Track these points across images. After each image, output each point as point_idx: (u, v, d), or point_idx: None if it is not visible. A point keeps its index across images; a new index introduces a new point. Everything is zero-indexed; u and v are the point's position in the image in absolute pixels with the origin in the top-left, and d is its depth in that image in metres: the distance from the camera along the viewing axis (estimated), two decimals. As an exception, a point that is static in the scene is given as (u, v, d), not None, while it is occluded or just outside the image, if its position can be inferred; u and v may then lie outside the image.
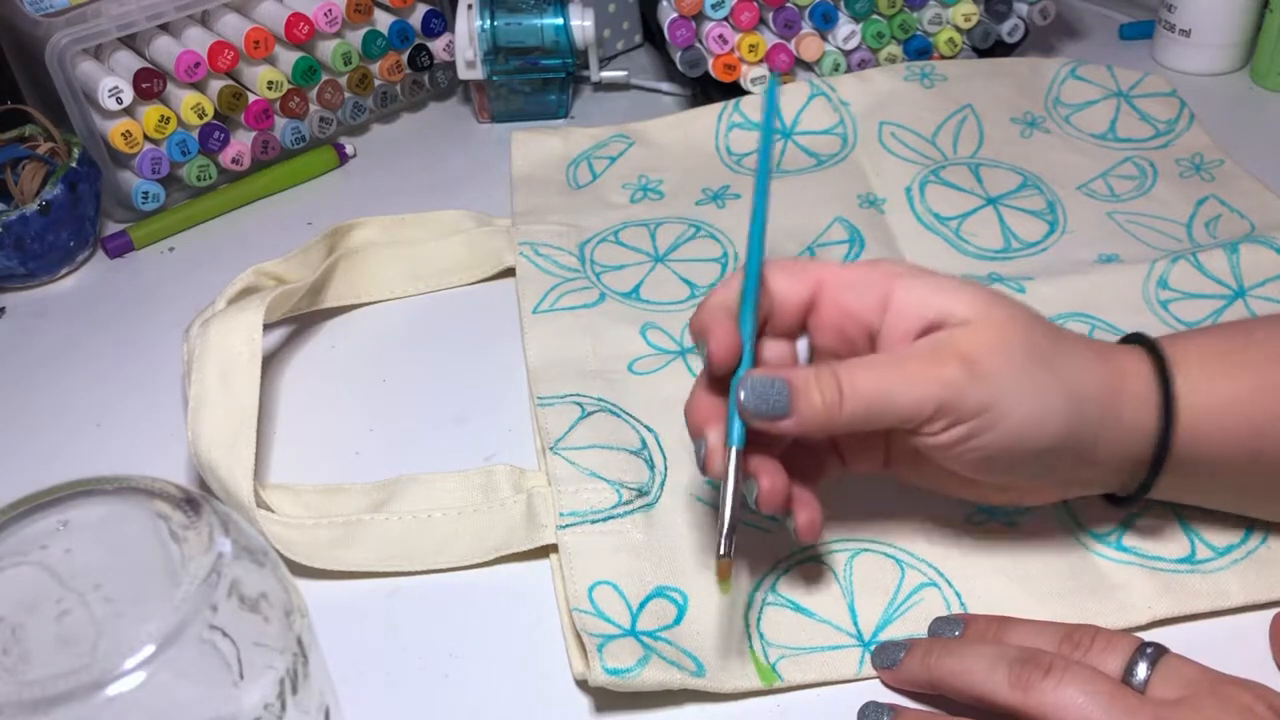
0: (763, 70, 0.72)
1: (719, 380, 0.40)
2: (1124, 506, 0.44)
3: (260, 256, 0.57)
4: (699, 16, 0.71)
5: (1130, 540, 0.45)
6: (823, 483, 0.43)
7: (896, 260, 0.41)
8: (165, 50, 0.66)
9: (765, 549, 0.45)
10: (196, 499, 0.31)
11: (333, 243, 0.61)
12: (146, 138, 0.66)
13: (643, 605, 0.43)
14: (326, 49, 0.71)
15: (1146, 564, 0.44)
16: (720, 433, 0.39)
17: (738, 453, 0.39)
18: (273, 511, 0.47)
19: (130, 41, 0.67)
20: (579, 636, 0.42)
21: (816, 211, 0.63)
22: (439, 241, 0.62)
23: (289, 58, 0.70)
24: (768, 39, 0.72)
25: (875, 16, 0.72)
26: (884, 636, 0.42)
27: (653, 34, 0.82)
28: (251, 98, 0.69)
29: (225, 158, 0.69)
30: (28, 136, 0.67)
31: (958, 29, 0.73)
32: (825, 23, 0.72)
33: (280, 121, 0.71)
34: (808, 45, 0.72)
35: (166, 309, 0.61)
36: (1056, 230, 0.61)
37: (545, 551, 0.46)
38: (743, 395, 0.38)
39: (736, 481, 0.39)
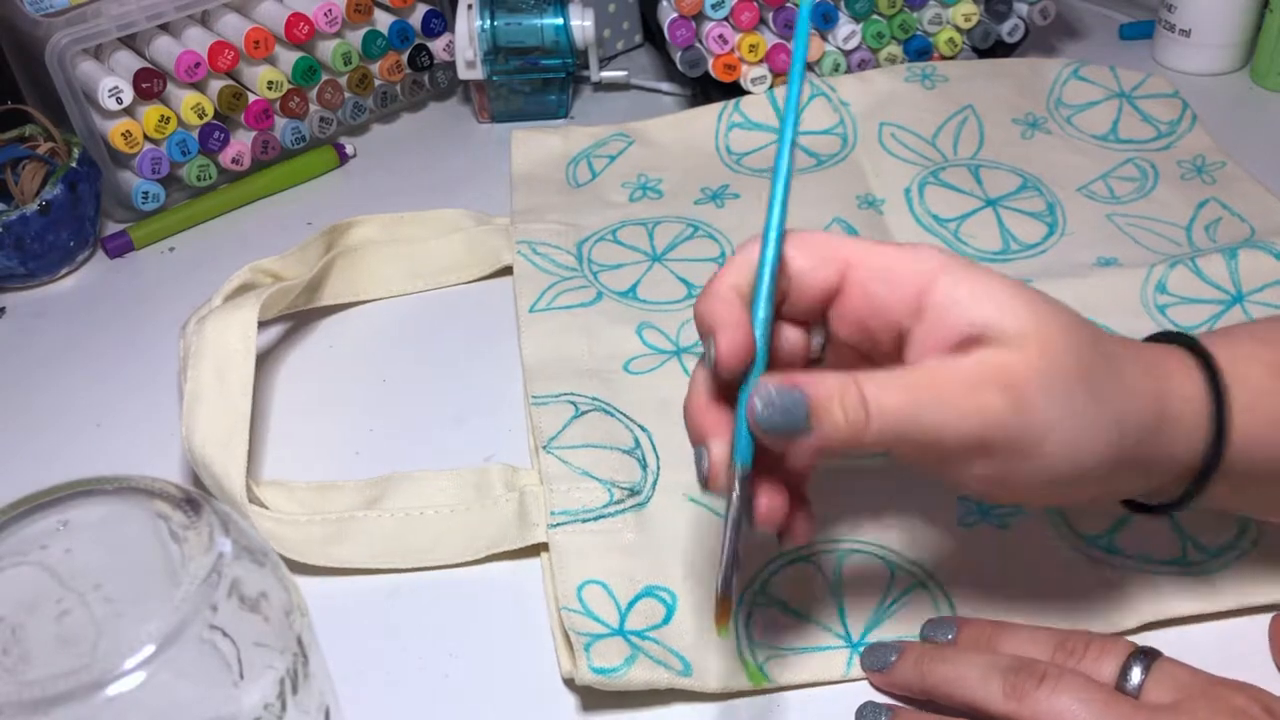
0: (763, 70, 0.72)
1: (725, 380, 0.36)
2: (1157, 515, 0.40)
3: (260, 256, 0.57)
4: (699, 16, 0.71)
5: (1121, 542, 0.45)
6: (814, 481, 0.41)
7: (938, 247, 0.36)
8: (165, 50, 0.66)
9: (754, 549, 0.45)
10: (196, 499, 0.31)
11: (331, 240, 0.61)
12: (146, 138, 0.66)
13: (631, 605, 0.43)
14: (326, 49, 0.71)
15: (1138, 566, 0.44)
16: (724, 445, 0.35)
17: (744, 473, 0.35)
18: (266, 508, 0.47)
19: (130, 41, 0.67)
20: (567, 635, 0.42)
21: (815, 212, 0.63)
22: (437, 240, 0.62)
23: (289, 58, 0.70)
24: (768, 39, 0.72)
25: (875, 16, 0.73)
26: (873, 638, 0.42)
27: (653, 34, 0.82)
28: (251, 98, 0.69)
29: (225, 158, 0.69)
30: (28, 136, 0.67)
31: (958, 29, 0.74)
32: (825, 23, 0.72)
33: (280, 121, 0.71)
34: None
35: (166, 309, 0.61)
36: (1056, 232, 0.61)
37: (541, 550, 0.46)
38: (758, 408, 0.33)
39: (741, 508, 0.35)
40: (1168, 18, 0.76)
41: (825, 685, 0.41)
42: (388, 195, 0.70)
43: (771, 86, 0.72)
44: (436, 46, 0.76)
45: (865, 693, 0.41)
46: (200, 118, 0.67)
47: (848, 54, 0.73)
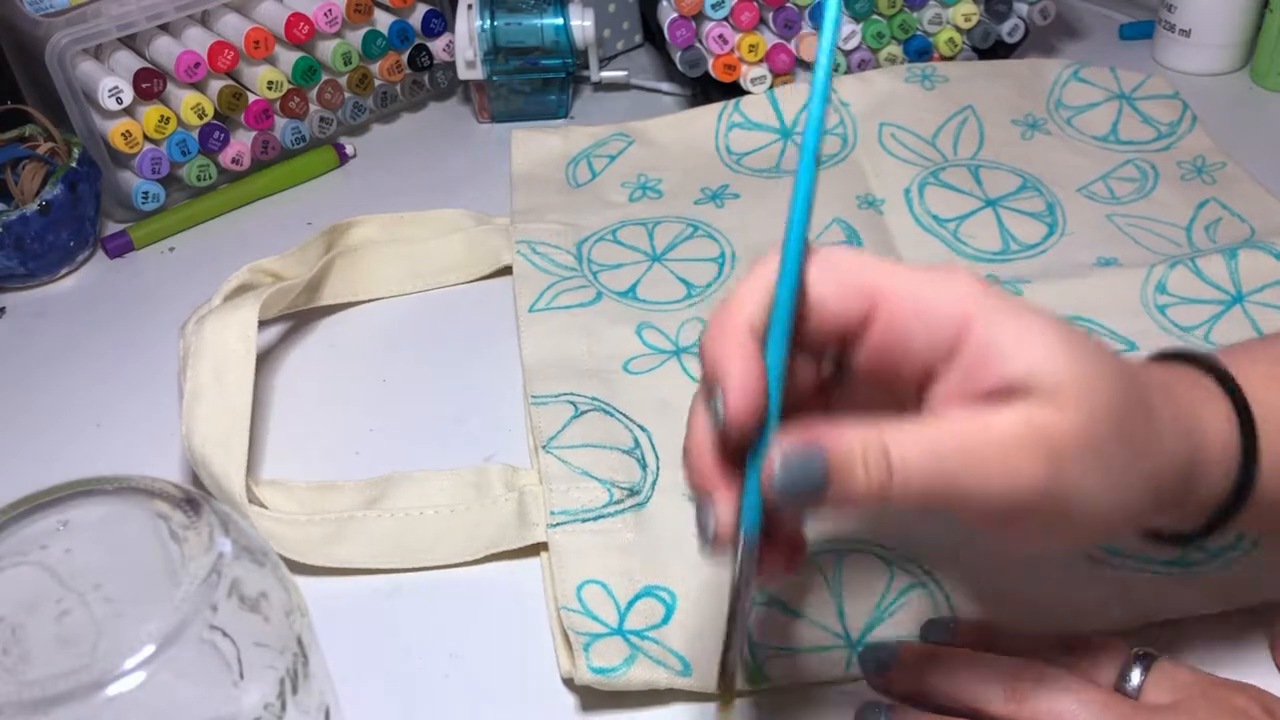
0: (763, 70, 0.72)
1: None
2: (1178, 545, 0.38)
3: (260, 256, 0.57)
4: (699, 16, 0.71)
5: (1121, 542, 0.45)
6: None
7: (969, 273, 0.32)
8: (165, 50, 0.66)
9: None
10: (196, 499, 0.31)
11: (330, 240, 0.61)
12: (146, 138, 0.66)
13: (631, 604, 0.43)
14: (326, 49, 0.71)
15: (1138, 566, 0.44)
16: (731, 504, 0.32)
17: (753, 541, 0.31)
18: (265, 508, 0.47)
19: (130, 41, 0.67)
20: (566, 635, 0.42)
21: (815, 212, 0.63)
22: (437, 240, 0.62)
23: (289, 58, 0.70)
24: (768, 39, 0.72)
25: (875, 16, 0.73)
26: (872, 638, 0.42)
27: (653, 34, 0.82)
28: (251, 98, 0.69)
29: (225, 158, 0.69)
30: (28, 136, 0.67)
31: (958, 29, 0.74)
32: (825, 23, 0.72)
33: (280, 121, 0.71)
34: (808, 45, 0.72)
35: (166, 309, 0.61)
36: (1055, 232, 0.61)
37: (540, 550, 0.46)
38: (778, 474, 0.30)
39: (747, 578, 0.32)
40: (1168, 18, 0.76)
41: (825, 685, 0.41)
42: (388, 195, 0.70)
43: (771, 86, 0.72)
44: (436, 46, 0.76)
45: (865, 693, 0.41)
46: (200, 118, 0.67)
47: (848, 54, 0.73)
